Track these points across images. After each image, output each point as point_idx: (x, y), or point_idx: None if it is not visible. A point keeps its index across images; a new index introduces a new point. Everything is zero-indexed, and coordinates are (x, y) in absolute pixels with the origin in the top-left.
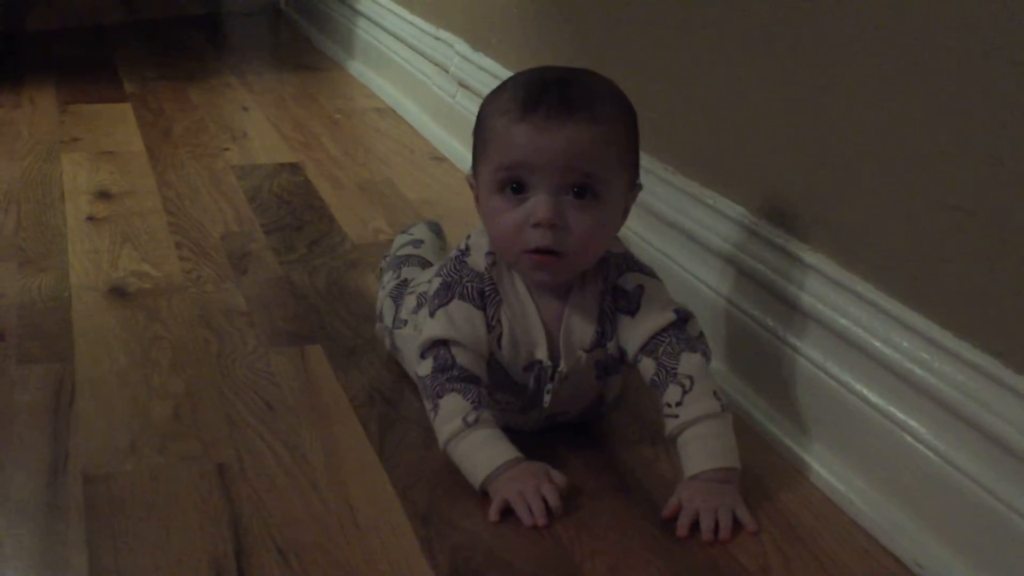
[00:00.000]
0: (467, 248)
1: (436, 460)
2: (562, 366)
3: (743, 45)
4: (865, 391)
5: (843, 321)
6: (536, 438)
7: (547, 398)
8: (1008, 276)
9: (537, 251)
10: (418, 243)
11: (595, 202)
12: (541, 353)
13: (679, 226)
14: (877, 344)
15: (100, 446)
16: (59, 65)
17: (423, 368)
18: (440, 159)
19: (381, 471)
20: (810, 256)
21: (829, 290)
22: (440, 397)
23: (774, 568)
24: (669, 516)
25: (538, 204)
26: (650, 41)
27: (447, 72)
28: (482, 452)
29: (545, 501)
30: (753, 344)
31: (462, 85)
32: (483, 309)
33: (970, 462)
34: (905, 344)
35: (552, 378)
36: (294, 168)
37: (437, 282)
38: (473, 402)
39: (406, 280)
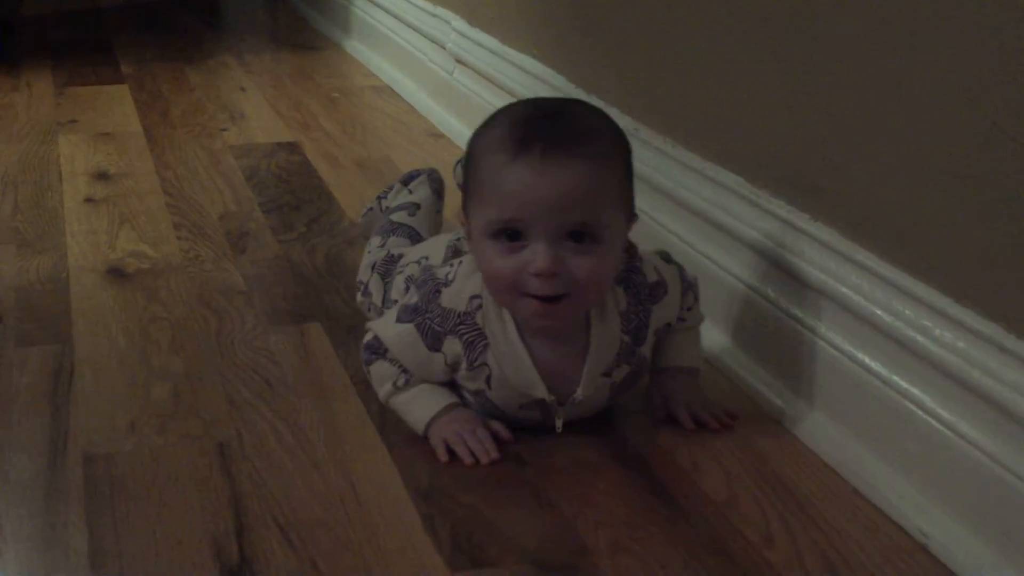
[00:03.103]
0: (449, 280)
1: None
2: (578, 393)
3: (742, 16)
4: (868, 360)
5: (844, 290)
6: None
7: (559, 424)
8: (1010, 242)
9: (538, 297)
10: (414, 209)
11: (595, 245)
12: (541, 392)
13: (680, 199)
14: (879, 313)
15: (100, 427)
16: (56, 48)
17: (366, 336)
18: (438, 136)
19: (382, 448)
20: (811, 226)
21: (830, 260)
22: (369, 364)
23: (777, 538)
24: (663, 418)
25: (536, 254)
26: (648, 14)
27: (444, 49)
28: (419, 401)
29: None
30: (755, 315)
31: (459, 62)
32: (436, 350)
33: (974, 429)
34: (907, 312)
35: (563, 404)
36: (292, 147)
37: (414, 296)
38: (401, 368)
39: (392, 256)
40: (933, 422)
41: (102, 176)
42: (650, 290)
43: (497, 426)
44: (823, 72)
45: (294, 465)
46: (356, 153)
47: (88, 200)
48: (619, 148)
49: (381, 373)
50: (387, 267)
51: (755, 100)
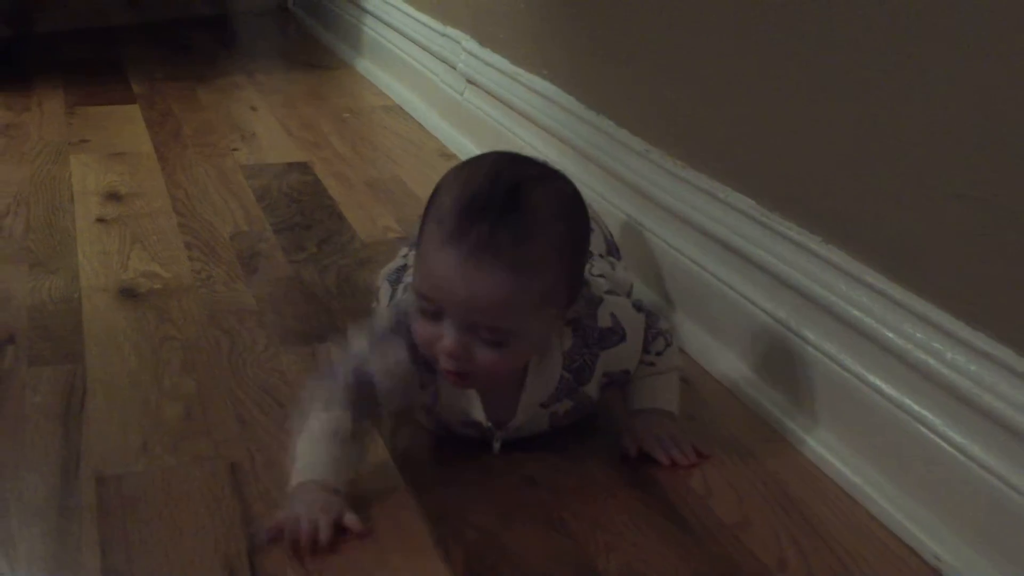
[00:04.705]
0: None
1: (448, 457)
2: (514, 421)
3: (753, 38)
4: (879, 382)
5: (856, 312)
6: (548, 434)
7: (496, 446)
8: (1021, 264)
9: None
10: None
11: (503, 344)
12: (479, 416)
13: (690, 220)
14: (890, 335)
15: (112, 447)
16: (67, 67)
17: (341, 356)
18: (449, 156)
19: (394, 469)
20: (822, 248)
21: (841, 281)
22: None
23: (791, 562)
24: (636, 455)
25: (446, 334)
26: (659, 35)
27: (455, 69)
28: (311, 453)
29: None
30: (766, 337)
31: (470, 82)
32: (418, 368)
33: (985, 452)
34: (918, 335)
35: (500, 428)
36: (303, 167)
37: (389, 315)
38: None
39: (406, 266)
40: (944, 445)
41: (113, 196)
42: (600, 335)
43: (351, 520)
44: (834, 94)
45: None
46: (367, 173)
47: (100, 220)
48: (560, 249)
49: (322, 389)
50: (397, 275)
51: (766, 122)
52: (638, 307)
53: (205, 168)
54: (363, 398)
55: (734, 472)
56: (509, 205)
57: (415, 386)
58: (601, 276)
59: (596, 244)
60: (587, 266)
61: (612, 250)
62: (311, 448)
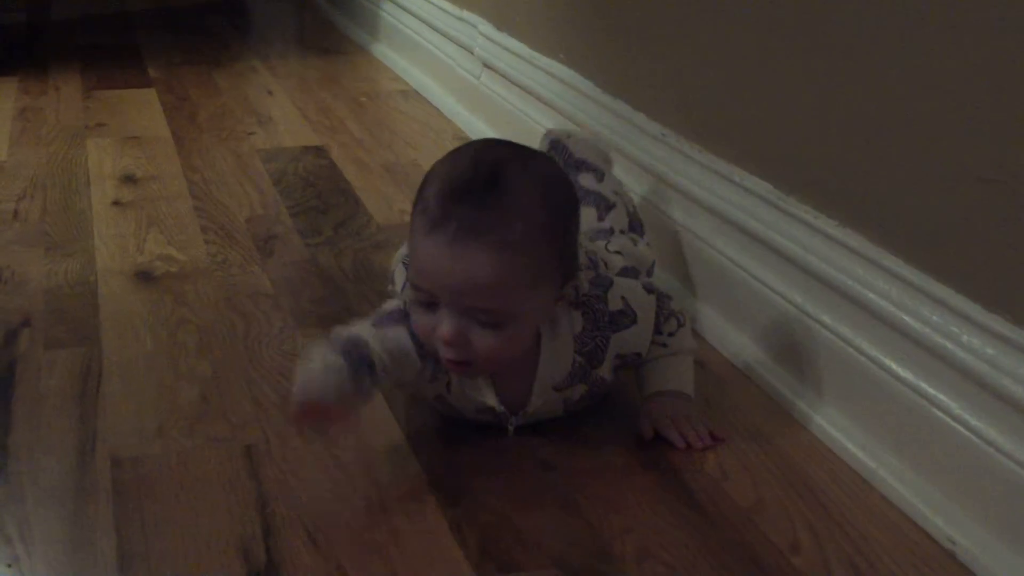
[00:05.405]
0: None
1: (464, 440)
2: (529, 406)
3: (770, 21)
4: (895, 366)
5: (872, 296)
6: (563, 418)
7: (511, 429)
8: None
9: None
10: None
11: (499, 327)
12: (492, 402)
13: (706, 204)
14: (906, 318)
15: (128, 429)
16: (84, 51)
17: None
18: (465, 140)
19: (409, 451)
20: (838, 231)
21: (857, 265)
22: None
23: (804, 545)
24: (651, 436)
25: (441, 322)
26: (676, 19)
27: (472, 53)
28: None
29: None
30: (781, 320)
31: (487, 66)
32: (423, 358)
33: (1001, 436)
34: (935, 318)
35: (515, 413)
36: (319, 151)
37: (394, 303)
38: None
39: None
40: (961, 429)
41: (130, 179)
42: (611, 318)
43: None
44: (850, 77)
45: (320, 468)
46: (383, 157)
47: (116, 203)
48: (545, 227)
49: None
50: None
51: (783, 105)
52: (649, 289)
53: (221, 152)
54: (358, 362)
55: (749, 455)
56: (490, 187)
57: (424, 377)
58: (618, 252)
59: (618, 220)
60: (604, 243)
61: (635, 226)
62: (306, 371)
